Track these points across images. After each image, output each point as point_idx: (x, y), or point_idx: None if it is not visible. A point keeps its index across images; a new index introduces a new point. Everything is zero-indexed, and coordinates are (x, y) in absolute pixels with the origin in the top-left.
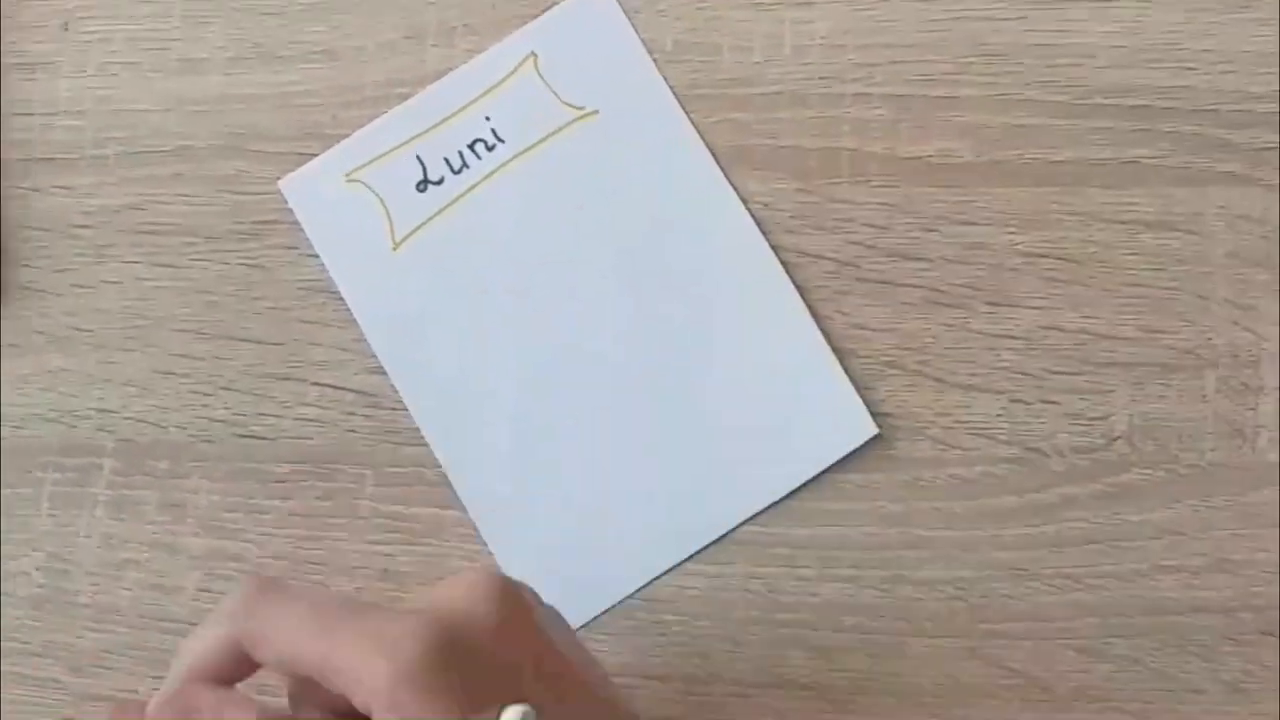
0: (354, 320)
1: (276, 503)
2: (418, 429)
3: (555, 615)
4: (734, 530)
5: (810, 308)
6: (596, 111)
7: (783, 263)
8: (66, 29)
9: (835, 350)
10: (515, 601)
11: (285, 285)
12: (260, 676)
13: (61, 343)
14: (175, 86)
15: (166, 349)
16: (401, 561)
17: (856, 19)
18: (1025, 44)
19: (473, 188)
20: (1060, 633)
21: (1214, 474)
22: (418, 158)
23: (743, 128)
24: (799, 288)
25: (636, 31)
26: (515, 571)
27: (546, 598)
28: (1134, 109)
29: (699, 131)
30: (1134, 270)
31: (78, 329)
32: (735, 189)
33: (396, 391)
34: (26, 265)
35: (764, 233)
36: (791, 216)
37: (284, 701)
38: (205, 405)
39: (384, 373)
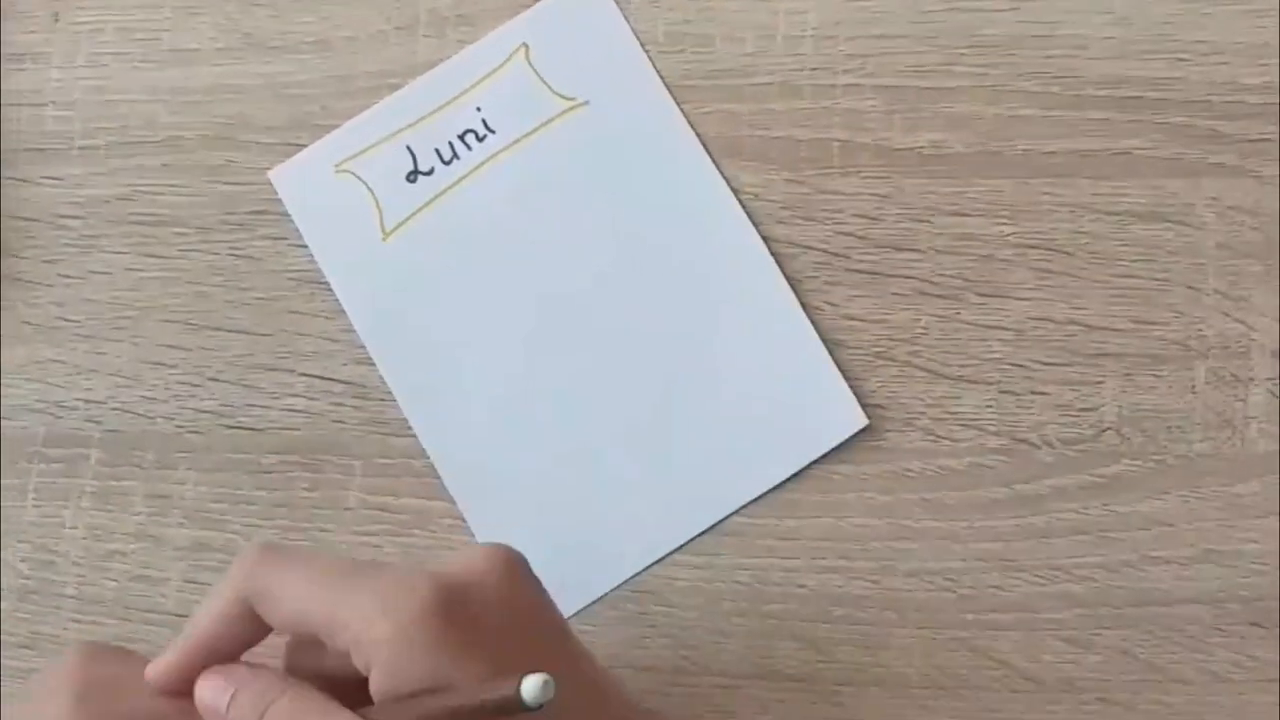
0: (343, 311)
1: (263, 494)
2: (406, 420)
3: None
4: (723, 521)
5: (800, 298)
6: (588, 102)
7: (773, 253)
8: (57, 20)
9: (825, 341)
10: (525, 575)
11: (274, 276)
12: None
13: (49, 333)
14: (165, 77)
15: (154, 340)
16: (389, 553)
17: (848, 10)
18: (1017, 35)
19: (463, 178)
20: (1048, 623)
21: (1203, 465)
22: (408, 148)
23: (734, 118)
24: (789, 278)
25: (628, 22)
26: None
27: None
28: (1126, 100)
29: (690, 122)
30: (1125, 261)
31: (66, 319)
32: (726, 180)
33: (385, 383)
34: (15, 256)
35: (755, 223)
36: (782, 207)
37: None
38: (193, 396)
39: (372, 364)
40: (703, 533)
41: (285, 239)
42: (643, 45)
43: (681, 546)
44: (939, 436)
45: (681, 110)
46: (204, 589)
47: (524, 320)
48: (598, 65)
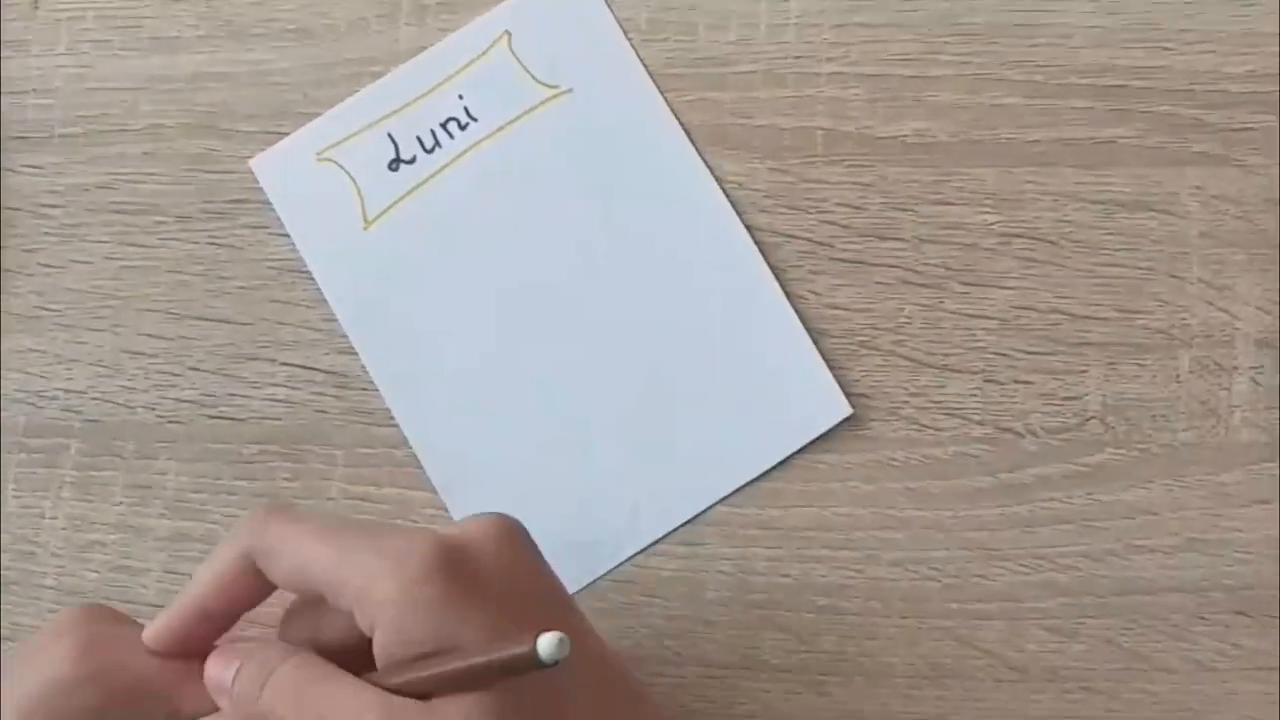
0: (324, 300)
1: (245, 484)
2: (388, 409)
3: None
4: (706, 511)
5: (784, 288)
6: (570, 90)
7: (757, 242)
8: (37, 7)
9: (809, 330)
10: (525, 542)
11: (255, 265)
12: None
13: (29, 322)
14: (146, 65)
15: (135, 329)
16: None
17: None
18: (1001, 24)
19: (445, 167)
20: (1033, 613)
21: (1187, 454)
22: (390, 136)
23: (717, 107)
24: (773, 268)
25: (611, 10)
26: None
27: None
28: (1109, 89)
29: (673, 111)
30: (1109, 250)
31: (46, 309)
32: (709, 168)
33: (366, 372)
34: None
35: (738, 212)
36: (766, 196)
37: None
38: (173, 386)
39: (354, 353)
40: (686, 522)
41: (266, 227)
42: (625, 33)
43: (665, 536)
44: (923, 426)
45: (664, 98)
46: (185, 580)
47: (506, 309)
48: (580, 53)
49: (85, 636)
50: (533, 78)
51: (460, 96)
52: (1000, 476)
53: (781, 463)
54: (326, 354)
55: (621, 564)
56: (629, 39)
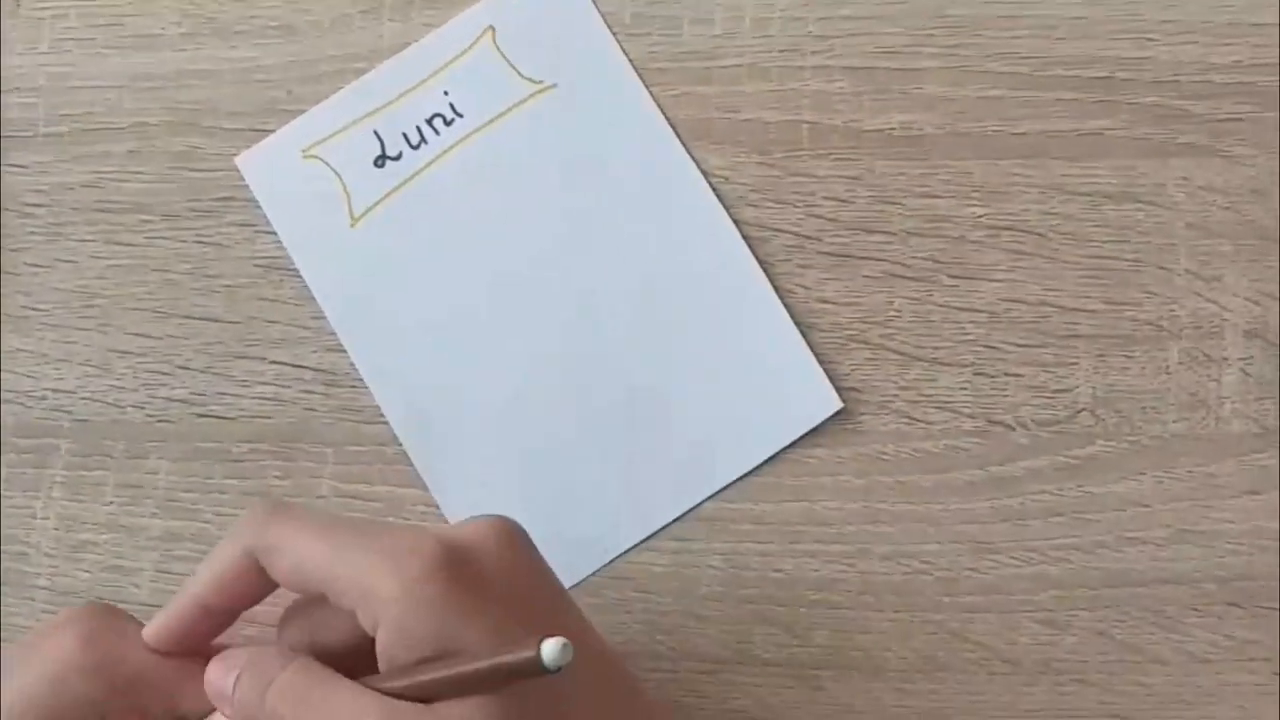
0: (312, 297)
1: (235, 482)
2: (377, 406)
3: None
4: (698, 506)
5: (772, 282)
6: (555, 85)
7: (744, 237)
8: (19, 5)
9: (798, 324)
10: (525, 544)
11: (242, 263)
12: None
13: (16, 323)
14: (129, 63)
15: (123, 328)
16: None
17: None
18: (985, 15)
19: (431, 163)
20: (1024, 605)
21: (1177, 445)
22: (375, 133)
23: (703, 101)
24: (761, 262)
25: (595, 4)
26: None
27: None
28: (1095, 80)
29: (659, 105)
30: (1096, 242)
31: (33, 309)
32: (696, 162)
33: (355, 369)
34: None
35: (725, 206)
36: (752, 190)
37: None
38: (163, 385)
39: (342, 350)
40: (678, 518)
41: (253, 225)
42: (610, 27)
43: (657, 532)
44: (913, 419)
45: (650, 93)
46: (177, 579)
47: (494, 305)
48: (565, 48)
49: (88, 630)
50: (518, 73)
51: (445, 92)
52: (991, 469)
53: (772, 458)
54: (315, 352)
55: (614, 560)
56: (613, 33)
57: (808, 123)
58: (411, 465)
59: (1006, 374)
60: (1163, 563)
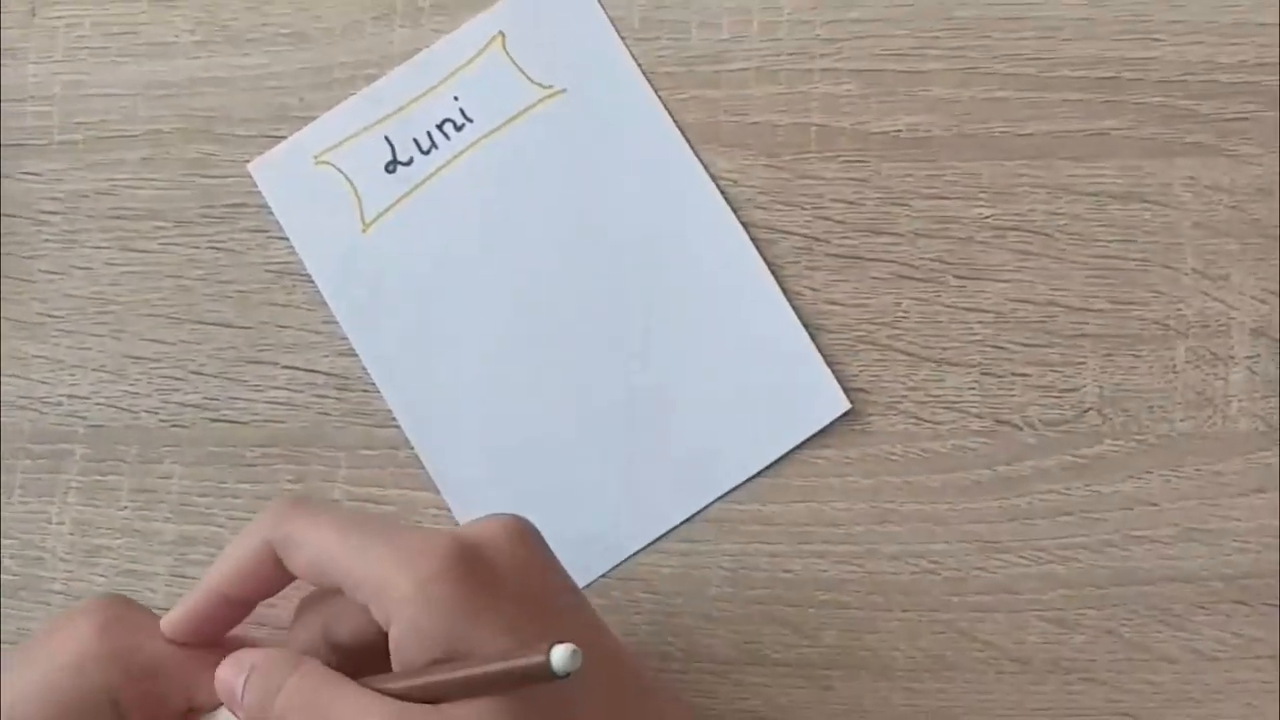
0: (324, 302)
1: (248, 487)
2: (389, 411)
3: None
4: (707, 507)
5: (781, 283)
6: (564, 90)
7: (753, 239)
8: (34, 14)
9: (806, 326)
10: (538, 543)
11: (255, 268)
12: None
13: (32, 329)
14: (143, 70)
15: (137, 334)
16: None
17: None
18: (992, 17)
19: (442, 168)
20: (1033, 604)
21: (1184, 444)
22: (386, 139)
23: (711, 104)
24: (769, 264)
25: (604, 9)
26: None
27: None
28: (1101, 81)
29: (667, 109)
30: (1103, 242)
31: (48, 315)
32: (704, 166)
33: (367, 373)
34: None
35: (733, 209)
36: (761, 192)
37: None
38: (176, 390)
39: (354, 355)
40: (687, 519)
41: (265, 231)
42: (618, 32)
43: (666, 533)
44: (921, 419)
45: (658, 97)
46: (191, 583)
47: (504, 309)
48: (574, 53)
49: (104, 619)
50: (527, 78)
51: (456, 98)
52: (999, 469)
53: (780, 459)
54: (327, 356)
55: (623, 561)
56: (622, 38)
57: (815, 125)
58: (424, 468)
59: (1014, 374)
60: (1170, 561)
